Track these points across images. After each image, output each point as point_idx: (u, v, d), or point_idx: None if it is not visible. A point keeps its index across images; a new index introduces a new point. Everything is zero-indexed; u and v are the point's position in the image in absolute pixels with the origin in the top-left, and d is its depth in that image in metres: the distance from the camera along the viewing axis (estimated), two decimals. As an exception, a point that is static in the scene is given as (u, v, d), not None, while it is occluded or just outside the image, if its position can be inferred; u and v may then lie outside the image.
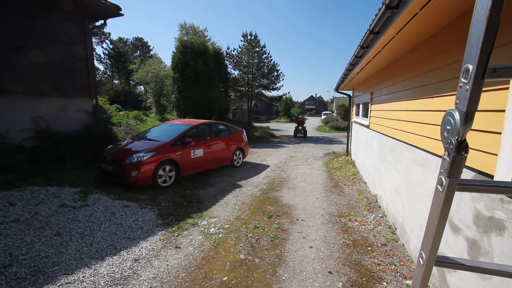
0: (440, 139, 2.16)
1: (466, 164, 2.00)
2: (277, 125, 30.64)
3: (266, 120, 39.94)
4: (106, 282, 2.52)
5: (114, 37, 42.04)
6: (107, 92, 23.65)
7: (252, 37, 19.64)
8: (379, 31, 2.71)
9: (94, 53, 15.33)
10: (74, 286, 2.43)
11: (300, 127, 17.33)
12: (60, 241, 3.10)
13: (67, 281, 2.47)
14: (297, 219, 4.22)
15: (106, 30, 34.58)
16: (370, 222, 4.11)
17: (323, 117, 37.16)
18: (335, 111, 36.05)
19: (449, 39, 2.42)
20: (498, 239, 1.64)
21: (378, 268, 2.95)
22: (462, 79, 0.58)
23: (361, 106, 7.68)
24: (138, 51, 38.33)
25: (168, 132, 6.31)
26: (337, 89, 8.87)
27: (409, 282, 2.70)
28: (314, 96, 78.51)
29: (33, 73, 6.14)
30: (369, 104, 6.14)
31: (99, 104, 8.71)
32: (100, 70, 35.60)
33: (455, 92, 2.02)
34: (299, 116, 19.12)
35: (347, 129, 10.26)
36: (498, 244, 1.64)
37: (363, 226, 3.97)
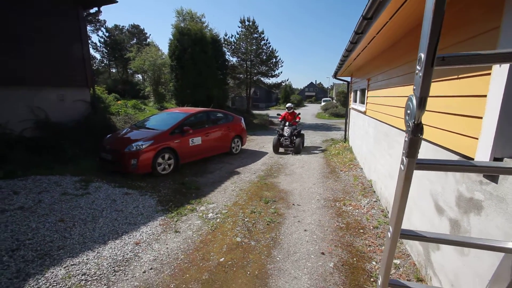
0: (428, 124, 2.24)
1: (451, 148, 2.07)
2: (277, 113, 30.49)
3: (265, 107, 39.71)
4: (109, 264, 2.66)
5: (110, 24, 41.11)
6: (104, 81, 23.44)
7: (250, 23, 19.26)
8: (372, 17, 2.70)
9: (89, 41, 15.09)
10: (79, 267, 2.57)
11: (287, 128, 8.32)
12: (64, 227, 3.23)
13: (72, 263, 2.61)
14: (293, 204, 4.34)
15: (101, 17, 33.77)
16: (364, 206, 4.23)
17: (322, 104, 36.93)
18: (335, 98, 35.81)
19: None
20: (476, 218, 1.73)
21: (368, 249, 3.08)
22: (417, 67, 0.63)
23: (358, 92, 7.67)
24: (135, 39, 37.58)
25: (166, 120, 6.35)
26: (335, 76, 8.82)
27: (397, 261, 2.84)
28: (314, 82, 77.68)
29: (30, 64, 6.12)
30: (366, 91, 6.14)
31: (97, 94, 8.69)
32: (97, 59, 35.11)
33: (444, 78, 2.06)
34: (288, 105, 9.01)
35: (345, 115, 10.28)
36: (475, 223, 1.74)
37: (357, 210, 4.09)
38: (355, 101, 8.24)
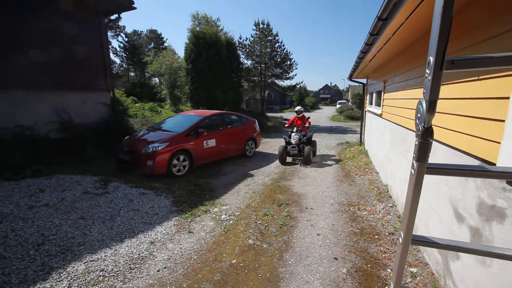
0: (448, 128, 2.17)
1: (472, 152, 1.98)
2: (291, 115, 30.30)
3: (280, 110, 39.62)
4: (125, 261, 2.75)
5: (129, 30, 42.83)
6: (123, 85, 24.39)
7: (264, 26, 19.37)
8: (387, 18, 2.65)
9: (110, 46, 15.72)
10: (98, 263, 2.68)
11: (295, 135, 7.26)
12: (84, 224, 3.38)
13: (91, 259, 2.73)
14: (306, 208, 4.30)
15: (120, 23, 35.19)
16: (379, 211, 4.12)
17: (338, 106, 36.32)
18: (350, 100, 35.14)
19: (457, 24, 2.34)
20: (499, 227, 1.65)
21: (383, 255, 3.00)
22: (427, 70, 0.62)
23: (374, 94, 7.50)
24: (152, 43, 38.81)
25: (181, 123, 6.50)
26: (350, 78, 8.68)
27: (414, 269, 2.74)
28: (329, 85, 76.63)
29: (56, 68, 6.49)
30: (382, 93, 5.99)
31: (116, 97, 9.05)
32: (116, 63, 36.49)
33: (464, 79, 2.00)
34: (297, 109, 7.88)
35: (361, 118, 10.06)
36: (498, 231, 1.65)
37: (372, 215, 3.99)
38: (371, 104, 8.06)
